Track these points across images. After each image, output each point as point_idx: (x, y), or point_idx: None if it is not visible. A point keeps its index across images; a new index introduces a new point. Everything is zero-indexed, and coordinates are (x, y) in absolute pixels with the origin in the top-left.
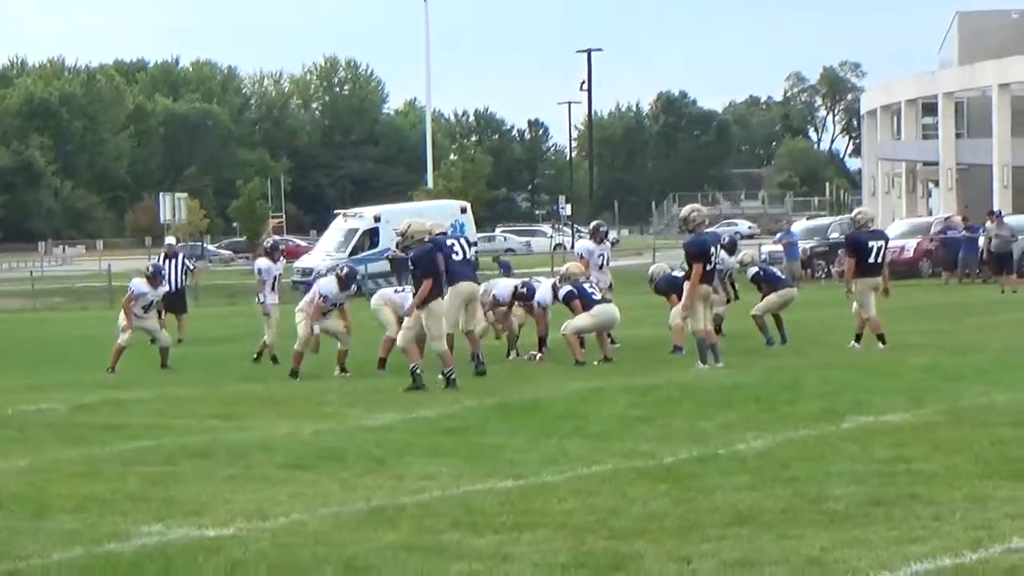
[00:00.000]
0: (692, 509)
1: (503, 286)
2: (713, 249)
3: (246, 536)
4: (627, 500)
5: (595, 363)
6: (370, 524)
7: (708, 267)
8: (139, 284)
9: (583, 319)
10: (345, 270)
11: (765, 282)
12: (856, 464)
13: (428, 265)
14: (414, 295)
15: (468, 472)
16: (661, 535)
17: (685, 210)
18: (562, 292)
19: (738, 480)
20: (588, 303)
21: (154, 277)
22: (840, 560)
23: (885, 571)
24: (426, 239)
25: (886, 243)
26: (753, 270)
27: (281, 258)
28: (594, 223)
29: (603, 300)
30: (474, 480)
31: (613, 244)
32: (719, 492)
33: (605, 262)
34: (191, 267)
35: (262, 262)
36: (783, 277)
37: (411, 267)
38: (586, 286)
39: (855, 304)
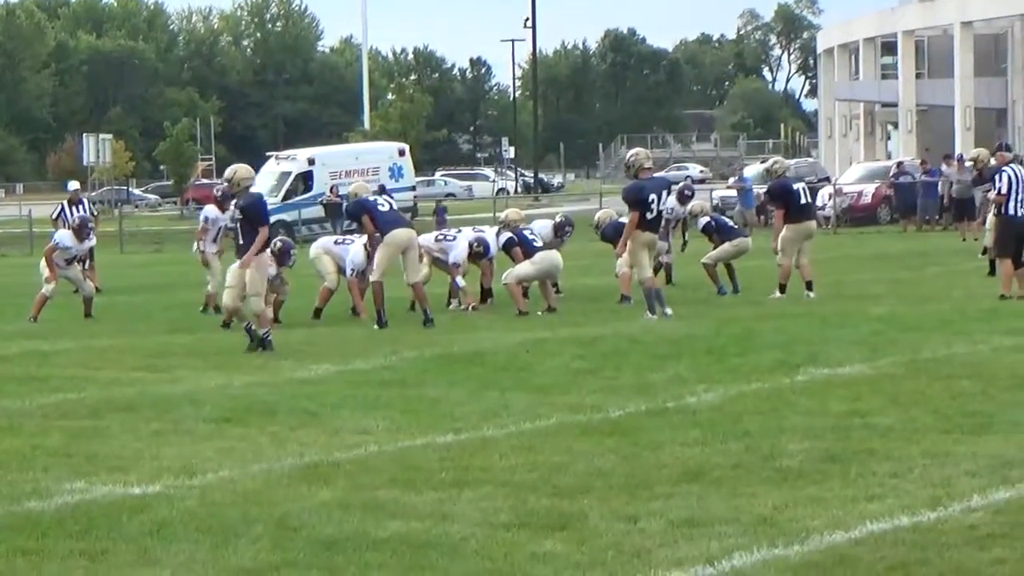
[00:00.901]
0: (639, 465)
1: (460, 249)
2: (654, 196)
3: (173, 494)
4: (572, 456)
5: (539, 313)
6: (303, 481)
7: (649, 214)
8: (64, 237)
9: (525, 267)
10: (279, 244)
11: (717, 232)
12: (811, 418)
13: (262, 213)
14: (366, 244)
15: (406, 426)
16: (607, 493)
17: (627, 155)
18: (502, 239)
19: (688, 435)
20: (529, 251)
21: (80, 229)
22: (793, 519)
23: (840, 530)
24: (252, 186)
25: (805, 189)
26: (704, 220)
27: (230, 208)
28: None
29: (544, 247)
30: (412, 435)
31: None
32: (668, 447)
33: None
34: (95, 214)
35: (211, 210)
36: (735, 227)
37: (347, 216)
38: (526, 233)
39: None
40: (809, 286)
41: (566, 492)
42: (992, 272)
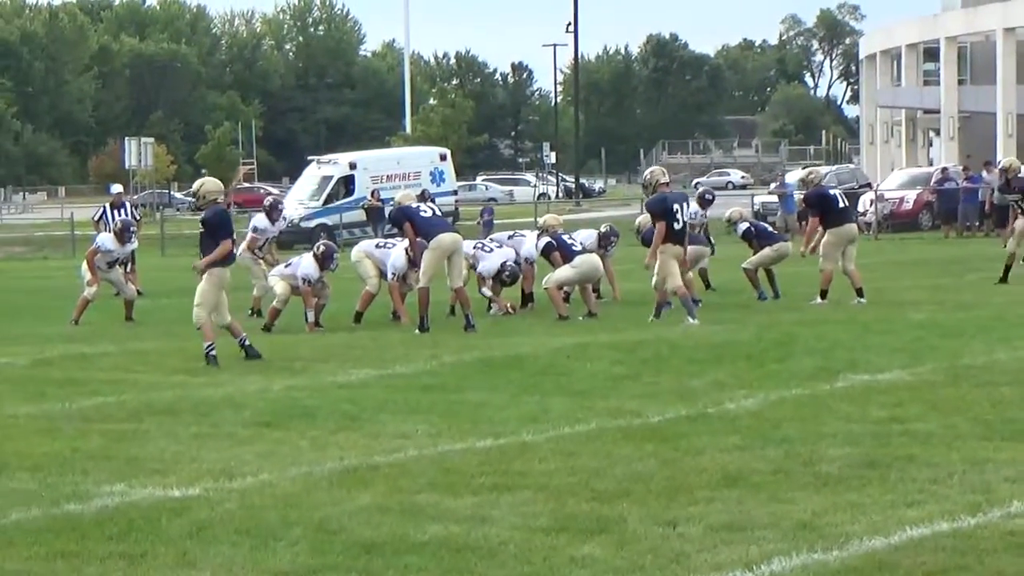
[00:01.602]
0: (679, 470)
1: (491, 263)
2: (676, 207)
3: (212, 497)
4: (611, 461)
5: (580, 318)
6: (342, 485)
7: (676, 224)
8: (106, 240)
9: (565, 271)
10: (322, 248)
11: (757, 238)
12: (850, 424)
13: (225, 226)
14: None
15: (445, 431)
16: (646, 497)
17: (644, 174)
18: (541, 244)
19: (727, 440)
20: (568, 255)
21: (122, 233)
22: (832, 524)
23: (879, 536)
24: (219, 200)
25: (841, 196)
26: (744, 226)
27: (280, 219)
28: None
29: (584, 251)
30: (452, 439)
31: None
32: (707, 453)
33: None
34: (137, 217)
35: (260, 219)
36: (775, 232)
37: (390, 223)
38: (565, 237)
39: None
40: (860, 292)
41: (605, 497)
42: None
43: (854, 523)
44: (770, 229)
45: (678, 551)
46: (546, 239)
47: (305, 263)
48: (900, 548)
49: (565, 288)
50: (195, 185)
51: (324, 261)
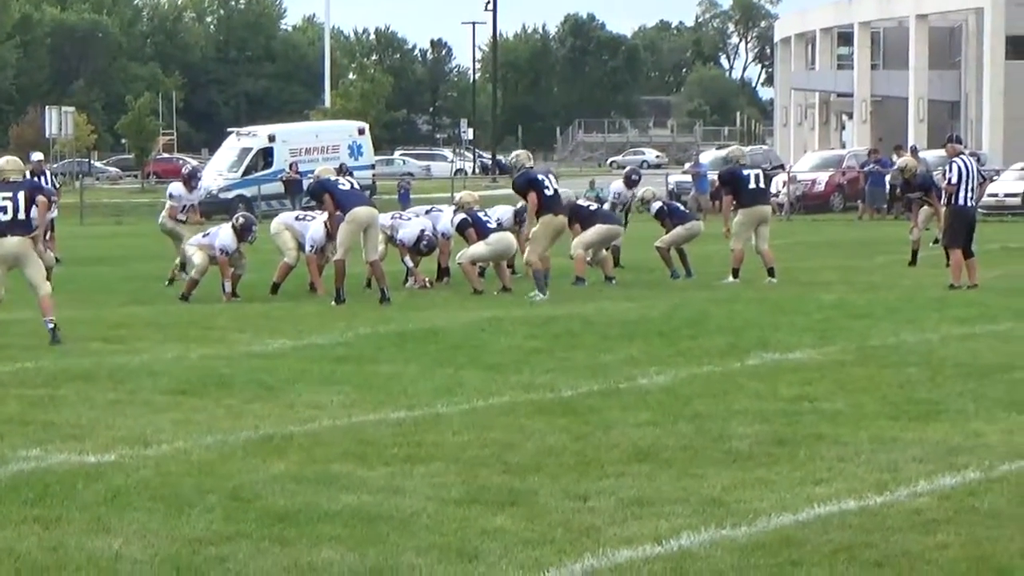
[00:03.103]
0: (590, 445)
1: (409, 232)
2: (542, 177)
3: (128, 463)
4: (523, 434)
5: (495, 293)
6: (257, 453)
7: (547, 192)
8: (177, 188)
9: (479, 248)
10: (241, 220)
11: (669, 217)
12: (760, 402)
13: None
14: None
15: (360, 401)
16: (557, 471)
17: (511, 157)
18: (456, 220)
19: (639, 416)
20: (483, 231)
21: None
22: (742, 500)
23: (788, 513)
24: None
25: (762, 174)
26: (656, 205)
27: (198, 188)
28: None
29: (498, 228)
30: (366, 410)
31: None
32: (619, 428)
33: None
34: (56, 186)
35: (176, 188)
36: (687, 211)
37: (309, 195)
38: (481, 214)
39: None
40: (771, 272)
41: (517, 469)
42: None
43: (763, 500)
44: (682, 209)
45: (588, 524)
46: (462, 216)
47: (223, 234)
48: (807, 525)
49: (480, 264)
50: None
51: (242, 233)
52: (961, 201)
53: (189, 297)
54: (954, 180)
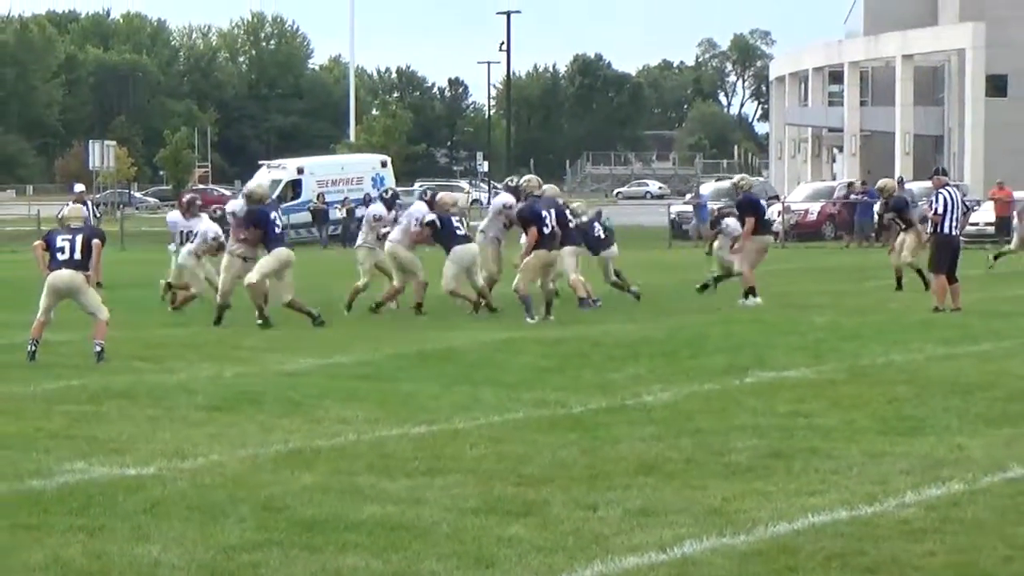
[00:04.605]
0: (599, 458)
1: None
2: (545, 213)
3: (166, 475)
4: (536, 448)
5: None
6: (287, 466)
7: (545, 229)
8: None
9: (448, 270)
10: (218, 212)
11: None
12: (758, 418)
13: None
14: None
15: (383, 417)
16: (568, 483)
17: (520, 180)
18: (427, 218)
19: (644, 431)
20: (446, 236)
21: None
22: (740, 510)
23: (784, 522)
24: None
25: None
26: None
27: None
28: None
29: (464, 238)
30: (388, 425)
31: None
32: (625, 442)
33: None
34: (97, 215)
35: (172, 215)
36: (603, 239)
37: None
38: (453, 220)
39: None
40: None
41: (530, 481)
42: (926, 285)
43: (760, 509)
44: (601, 237)
45: (597, 533)
46: (432, 216)
47: (204, 224)
48: (802, 533)
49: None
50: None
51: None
52: (946, 230)
53: (221, 320)
54: (940, 210)
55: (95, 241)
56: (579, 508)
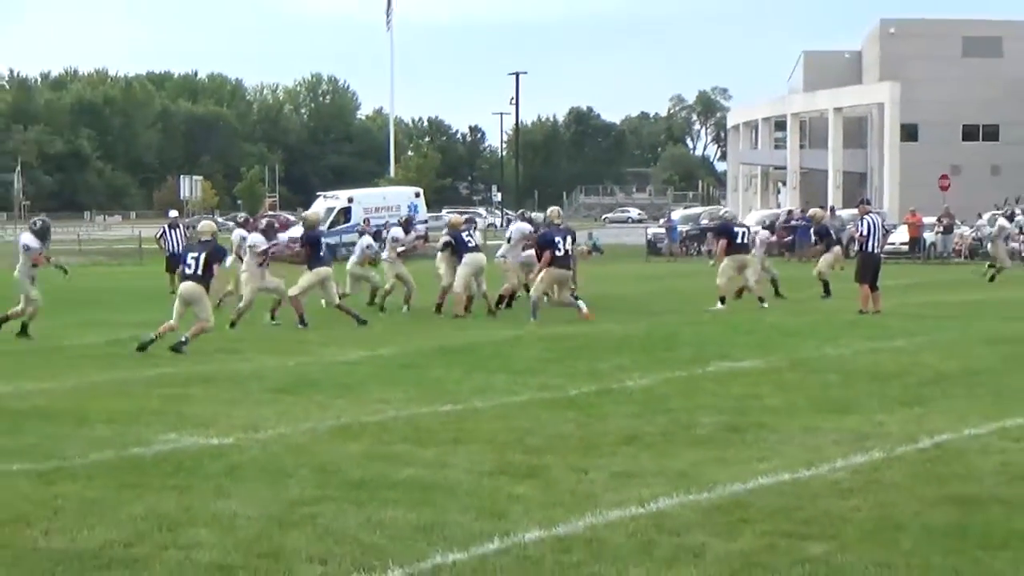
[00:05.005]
0: (590, 431)
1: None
2: (559, 239)
3: (243, 445)
4: (539, 423)
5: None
6: (339, 437)
7: (558, 252)
8: (256, 237)
9: (460, 271)
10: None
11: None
12: (718, 399)
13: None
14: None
15: (416, 398)
16: (565, 451)
17: (546, 213)
18: (441, 240)
19: (627, 409)
20: (460, 249)
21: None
22: (704, 473)
23: (738, 483)
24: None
25: (748, 230)
26: (445, 238)
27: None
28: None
29: (475, 248)
30: (421, 404)
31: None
32: (612, 418)
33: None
34: (187, 236)
35: (254, 237)
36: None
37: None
38: (463, 235)
39: (722, 276)
40: (762, 300)
41: (534, 450)
42: (827, 293)
43: (720, 472)
44: (469, 243)
45: (588, 492)
46: (447, 237)
47: (252, 238)
48: (754, 492)
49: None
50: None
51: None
52: (870, 248)
53: (275, 317)
54: (864, 232)
55: (215, 266)
56: (573, 472)
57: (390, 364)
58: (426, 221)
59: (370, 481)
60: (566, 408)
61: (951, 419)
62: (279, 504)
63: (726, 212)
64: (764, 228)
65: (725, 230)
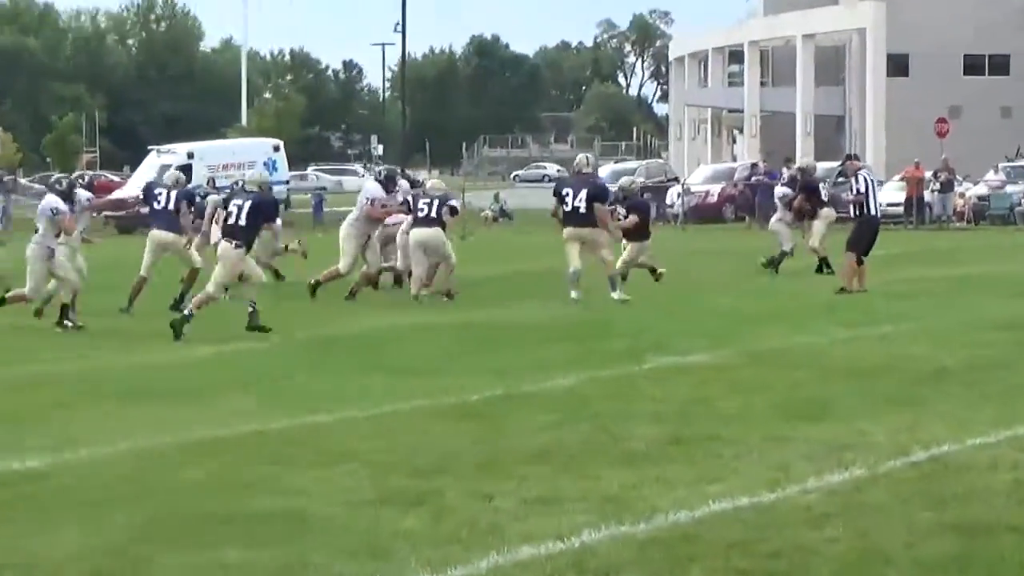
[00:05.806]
0: (495, 448)
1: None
2: (566, 191)
3: (52, 471)
4: (431, 437)
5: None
6: (178, 458)
7: (565, 207)
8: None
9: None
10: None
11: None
12: (657, 404)
13: None
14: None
15: (276, 406)
16: (463, 473)
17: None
18: (402, 196)
19: (542, 418)
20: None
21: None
22: (640, 498)
23: (685, 510)
24: None
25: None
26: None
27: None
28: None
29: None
30: (281, 416)
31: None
32: (522, 430)
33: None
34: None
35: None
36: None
37: None
38: (421, 202)
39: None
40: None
41: (424, 472)
42: (819, 270)
43: (660, 497)
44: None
45: (492, 523)
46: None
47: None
48: (704, 521)
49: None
50: None
51: None
52: (872, 211)
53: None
54: (862, 189)
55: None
56: (474, 498)
57: (246, 363)
58: (287, 182)
59: (215, 514)
60: (465, 418)
61: (950, 425)
62: (92, 548)
63: (634, 183)
64: (783, 184)
65: (642, 206)
